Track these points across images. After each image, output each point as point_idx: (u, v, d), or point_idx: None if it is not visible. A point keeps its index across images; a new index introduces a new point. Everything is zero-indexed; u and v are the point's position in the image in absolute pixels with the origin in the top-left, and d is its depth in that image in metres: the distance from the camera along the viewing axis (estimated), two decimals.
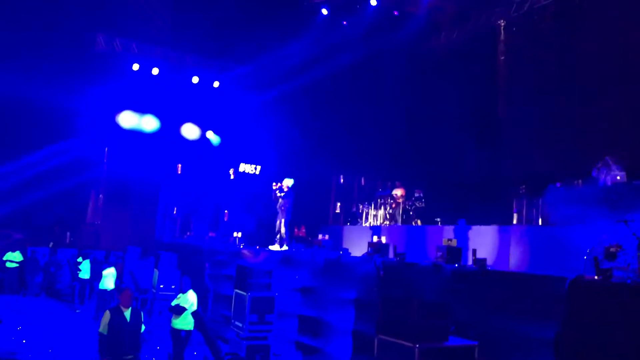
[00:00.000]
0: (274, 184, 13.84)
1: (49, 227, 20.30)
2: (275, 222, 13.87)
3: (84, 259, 17.05)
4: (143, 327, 8.00)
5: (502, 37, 18.07)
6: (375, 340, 6.10)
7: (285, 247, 13.44)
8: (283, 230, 13.64)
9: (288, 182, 13.73)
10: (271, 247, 13.60)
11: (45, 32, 17.09)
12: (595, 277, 6.40)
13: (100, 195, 21.29)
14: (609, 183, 10.92)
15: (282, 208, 13.64)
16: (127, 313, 7.56)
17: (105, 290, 14.90)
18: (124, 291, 7.88)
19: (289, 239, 13.91)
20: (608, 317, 5.76)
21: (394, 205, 16.16)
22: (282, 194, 13.61)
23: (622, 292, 5.91)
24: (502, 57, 18.01)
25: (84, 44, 18.13)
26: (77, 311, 16.19)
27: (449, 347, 5.84)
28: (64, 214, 19.99)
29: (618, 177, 10.96)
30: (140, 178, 19.77)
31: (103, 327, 7.43)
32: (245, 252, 13.68)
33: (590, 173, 11.95)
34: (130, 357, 7.51)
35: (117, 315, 7.49)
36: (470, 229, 12.34)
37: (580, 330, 5.94)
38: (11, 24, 16.50)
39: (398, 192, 16.52)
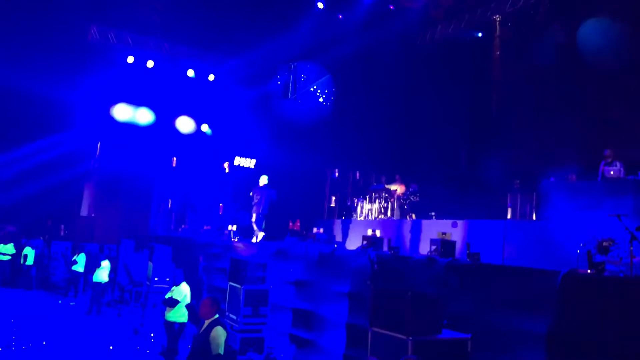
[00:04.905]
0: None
1: (42, 220, 20.24)
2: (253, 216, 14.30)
3: (78, 254, 17.03)
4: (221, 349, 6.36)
5: (497, 32, 18.10)
6: (369, 333, 6.10)
7: (255, 240, 13.74)
8: (255, 224, 14.06)
9: (263, 180, 14.21)
10: (261, 240, 13.70)
11: (38, 22, 16.92)
12: (588, 271, 6.43)
13: (95, 189, 21.18)
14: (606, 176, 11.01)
15: (254, 203, 14.12)
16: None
17: (99, 283, 14.92)
18: (203, 300, 6.67)
19: (258, 232, 14.10)
20: (600, 311, 5.79)
21: (391, 200, 16.16)
22: (256, 192, 14.16)
23: (614, 285, 5.94)
24: (498, 52, 18.04)
25: (77, 35, 17.95)
26: (72, 304, 16.17)
27: (442, 339, 5.85)
28: (57, 207, 19.87)
29: (612, 172, 11.04)
30: (134, 171, 19.67)
31: (221, 347, 6.27)
32: (239, 245, 13.69)
33: (585, 168, 12.03)
34: None
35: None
36: (464, 223, 12.36)
37: (572, 323, 5.97)
38: (2, 15, 16.34)
39: (397, 187, 16.47)
